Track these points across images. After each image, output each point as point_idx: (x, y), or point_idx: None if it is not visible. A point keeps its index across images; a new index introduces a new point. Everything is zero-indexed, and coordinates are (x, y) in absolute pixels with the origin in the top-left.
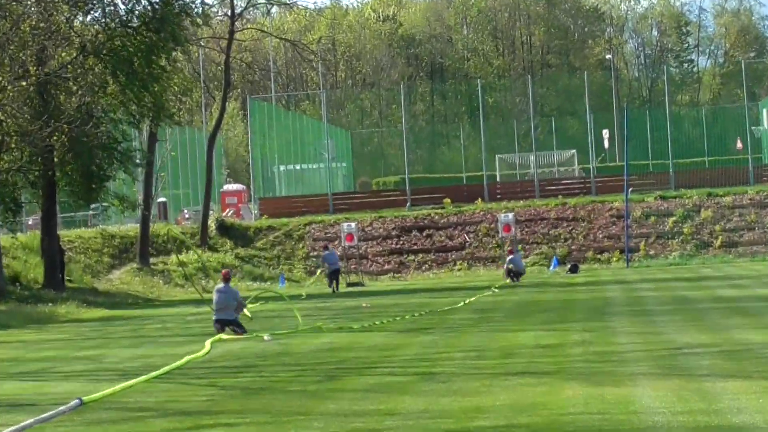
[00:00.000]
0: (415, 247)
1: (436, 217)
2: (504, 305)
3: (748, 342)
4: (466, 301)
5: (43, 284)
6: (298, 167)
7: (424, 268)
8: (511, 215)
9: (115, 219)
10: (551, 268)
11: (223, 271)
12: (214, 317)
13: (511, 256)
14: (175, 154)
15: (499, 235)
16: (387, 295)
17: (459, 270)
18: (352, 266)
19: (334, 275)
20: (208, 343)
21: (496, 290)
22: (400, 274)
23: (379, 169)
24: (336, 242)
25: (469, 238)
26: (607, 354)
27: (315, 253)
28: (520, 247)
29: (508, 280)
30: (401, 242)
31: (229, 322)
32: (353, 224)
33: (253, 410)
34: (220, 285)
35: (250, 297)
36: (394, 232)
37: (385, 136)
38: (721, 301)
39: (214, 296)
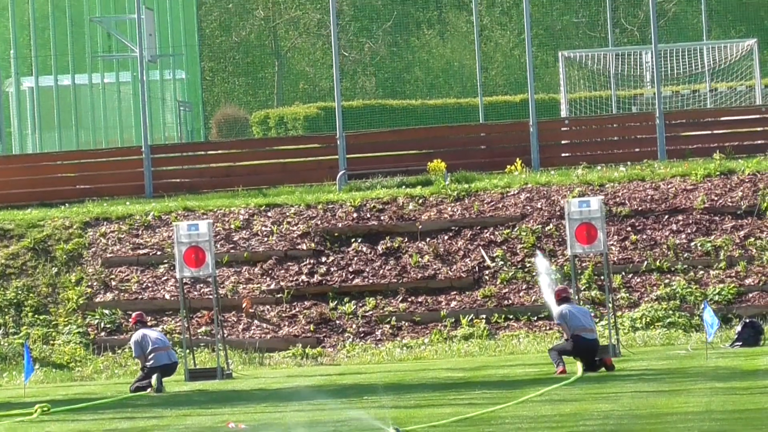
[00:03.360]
0: (358, 280)
1: (411, 206)
2: (578, 427)
3: None
4: (481, 412)
5: None
6: (64, 82)
7: (379, 334)
8: (596, 201)
9: None
10: (710, 334)
11: None
12: None
13: (564, 307)
14: None
15: (569, 251)
16: (284, 401)
17: (468, 339)
18: (205, 324)
19: (164, 372)
20: None
21: (570, 381)
22: (320, 349)
23: (267, 87)
24: (162, 269)
25: (492, 258)
26: None
27: (121, 325)
28: (618, 281)
29: (578, 371)
30: (324, 270)
31: None
32: (204, 224)
33: None
34: None
35: None
36: (305, 245)
37: (286, 6)
38: None
39: None
